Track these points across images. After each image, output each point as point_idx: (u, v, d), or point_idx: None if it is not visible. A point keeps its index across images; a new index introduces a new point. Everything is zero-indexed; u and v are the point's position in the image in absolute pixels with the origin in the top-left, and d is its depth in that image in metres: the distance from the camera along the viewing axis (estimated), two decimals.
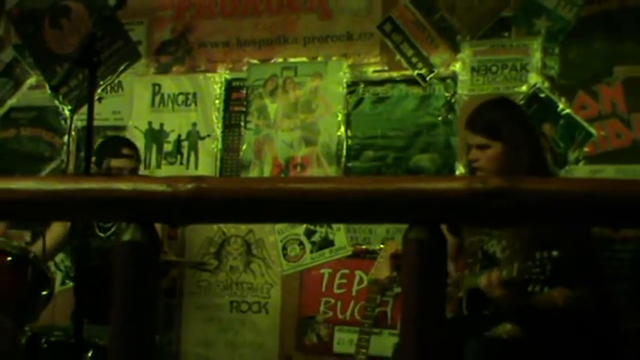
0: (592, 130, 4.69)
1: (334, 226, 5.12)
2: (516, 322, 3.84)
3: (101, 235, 4.78)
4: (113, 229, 4.79)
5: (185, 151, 5.48)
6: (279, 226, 5.21)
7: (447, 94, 5.00)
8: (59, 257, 5.42)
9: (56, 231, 4.81)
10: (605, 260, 4.37)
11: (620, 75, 4.68)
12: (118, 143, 4.98)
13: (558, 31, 4.81)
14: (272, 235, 5.26)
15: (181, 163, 5.48)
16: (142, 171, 5.16)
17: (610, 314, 4.09)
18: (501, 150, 3.98)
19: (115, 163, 4.75)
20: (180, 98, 5.53)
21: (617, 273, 4.39)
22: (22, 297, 4.14)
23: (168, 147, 5.52)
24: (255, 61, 5.41)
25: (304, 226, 5.17)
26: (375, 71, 5.16)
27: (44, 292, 4.24)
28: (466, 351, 3.73)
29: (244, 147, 5.37)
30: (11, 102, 5.89)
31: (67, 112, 5.72)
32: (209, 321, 5.33)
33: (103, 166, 4.71)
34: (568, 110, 4.73)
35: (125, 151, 4.87)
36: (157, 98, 5.57)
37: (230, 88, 5.45)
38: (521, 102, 4.73)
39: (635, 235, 4.38)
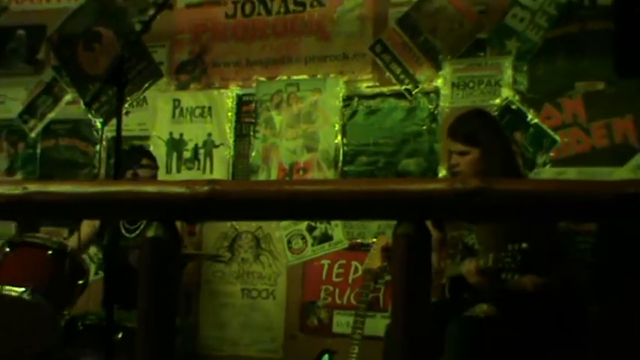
0: (556, 137, 4.69)
1: (333, 222, 5.12)
2: (492, 303, 3.85)
3: (127, 235, 4.77)
4: (137, 232, 4.79)
5: (202, 157, 5.48)
6: (284, 223, 5.20)
7: (430, 107, 4.99)
8: (92, 251, 5.41)
9: (85, 231, 4.81)
10: (570, 251, 4.36)
11: (581, 89, 4.68)
12: (138, 154, 4.98)
13: (526, 51, 4.81)
14: (278, 230, 5.26)
15: (198, 169, 5.47)
16: (163, 176, 5.17)
17: (574, 298, 4.09)
18: (478, 156, 4.00)
19: (138, 171, 4.75)
20: (197, 111, 5.52)
21: (580, 262, 4.38)
22: (61, 285, 4.14)
23: (186, 154, 5.52)
24: (262, 79, 5.40)
25: (306, 222, 5.17)
26: (368, 87, 5.15)
27: (80, 282, 4.25)
28: (448, 329, 3.74)
29: (253, 154, 5.37)
30: (51, 116, 5.88)
31: (98, 124, 5.71)
32: (223, 306, 5.32)
33: (126, 175, 4.70)
34: (536, 120, 4.73)
35: (145, 161, 4.87)
36: (177, 111, 5.57)
37: (241, 102, 5.44)
38: (496, 113, 4.73)
39: (595, 228, 4.38)
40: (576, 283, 4.16)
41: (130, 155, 4.90)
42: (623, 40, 1.90)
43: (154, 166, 4.92)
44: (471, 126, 4.09)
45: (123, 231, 4.77)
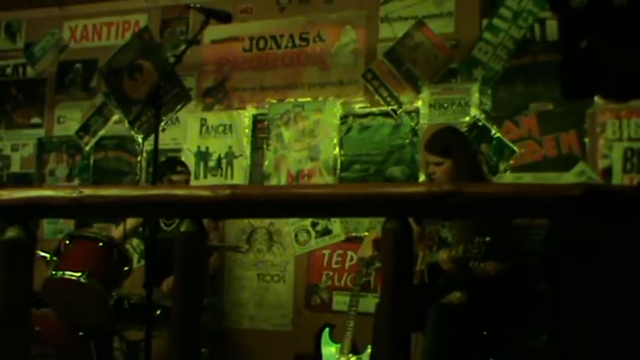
0: (515, 148, 4.68)
1: (332, 219, 5.12)
2: (464, 291, 3.86)
3: (165, 229, 4.77)
4: (174, 226, 4.79)
5: (224, 166, 5.47)
6: (292, 220, 5.19)
7: (412, 124, 4.99)
8: (135, 242, 5.42)
9: (130, 222, 4.82)
10: (524, 241, 4.36)
11: (534, 109, 4.68)
12: (174, 163, 4.98)
13: (490, 78, 4.81)
14: (287, 226, 5.25)
15: (221, 175, 5.47)
16: (192, 181, 5.16)
17: (527, 279, 4.09)
18: (451, 165, 4.00)
19: (173, 177, 4.76)
20: (220, 128, 5.52)
21: (533, 250, 4.37)
22: (110, 271, 4.14)
23: (211, 163, 5.51)
24: (274, 101, 5.40)
25: (310, 219, 5.16)
26: (360, 107, 5.15)
27: (125, 268, 4.24)
28: (428, 314, 3.74)
29: (266, 163, 5.36)
30: (101, 133, 5.88)
31: (140, 140, 5.71)
32: (242, 288, 5.32)
33: (164, 180, 4.71)
34: (498, 134, 4.72)
35: (179, 168, 4.87)
36: (204, 128, 5.56)
37: (256, 120, 5.44)
38: (465, 129, 4.73)
39: (545, 223, 4.37)
40: (529, 267, 4.17)
41: (167, 164, 4.91)
42: (568, 69, 1.91)
43: (186, 171, 4.92)
44: (445, 141, 4.10)
45: (162, 225, 4.78)
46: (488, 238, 3.59)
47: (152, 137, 3.75)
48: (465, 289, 3.86)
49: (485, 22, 4.86)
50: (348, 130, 5.16)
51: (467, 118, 4.81)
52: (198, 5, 3.98)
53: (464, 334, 3.74)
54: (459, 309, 3.81)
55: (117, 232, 4.89)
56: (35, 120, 6.13)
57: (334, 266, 5.11)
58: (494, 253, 3.67)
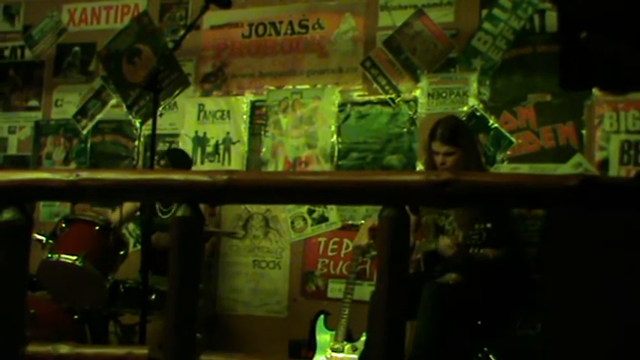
0: (512, 139, 4.68)
1: (328, 206, 5.12)
2: (459, 272, 3.89)
3: (162, 216, 4.77)
4: (170, 214, 4.78)
5: (221, 152, 5.46)
6: (288, 206, 5.19)
7: (410, 112, 4.98)
8: (131, 227, 5.41)
9: (127, 206, 4.81)
10: (521, 231, 4.37)
11: (532, 100, 4.68)
12: (166, 153, 4.96)
13: (489, 68, 4.80)
14: (283, 212, 5.25)
15: (219, 161, 5.46)
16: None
17: (523, 268, 4.11)
18: (460, 154, 4.02)
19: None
20: (218, 114, 5.51)
21: (529, 240, 4.38)
22: (106, 255, 4.14)
23: (209, 149, 5.50)
24: (272, 88, 5.39)
25: (307, 206, 5.16)
26: (359, 95, 5.14)
27: (121, 252, 4.24)
28: (423, 292, 3.76)
29: (264, 149, 5.36)
30: (99, 117, 5.86)
31: (137, 124, 5.70)
32: (238, 274, 5.32)
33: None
34: (496, 124, 4.72)
35: (162, 161, 4.82)
36: (202, 114, 5.55)
37: (254, 107, 5.43)
38: (464, 118, 4.72)
39: (542, 213, 4.37)
40: (525, 256, 4.19)
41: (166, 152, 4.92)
42: (566, 60, 1.91)
43: (170, 165, 4.84)
44: (455, 131, 4.09)
45: (159, 213, 4.77)
46: (488, 225, 3.63)
47: (150, 122, 3.74)
48: (461, 272, 3.89)
49: (484, 12, 4.85)
50: (346, 117, 5.16)
51: (465, 108, 4.81)
52: None
53: (457, 313, 3.75)
54: (453, 288, 3.83)
55: (114, 215, 4.88)
56: (33, 103, 6.12)
57: (330, 254, 5.11)
58: (494, 240, 3.70)
